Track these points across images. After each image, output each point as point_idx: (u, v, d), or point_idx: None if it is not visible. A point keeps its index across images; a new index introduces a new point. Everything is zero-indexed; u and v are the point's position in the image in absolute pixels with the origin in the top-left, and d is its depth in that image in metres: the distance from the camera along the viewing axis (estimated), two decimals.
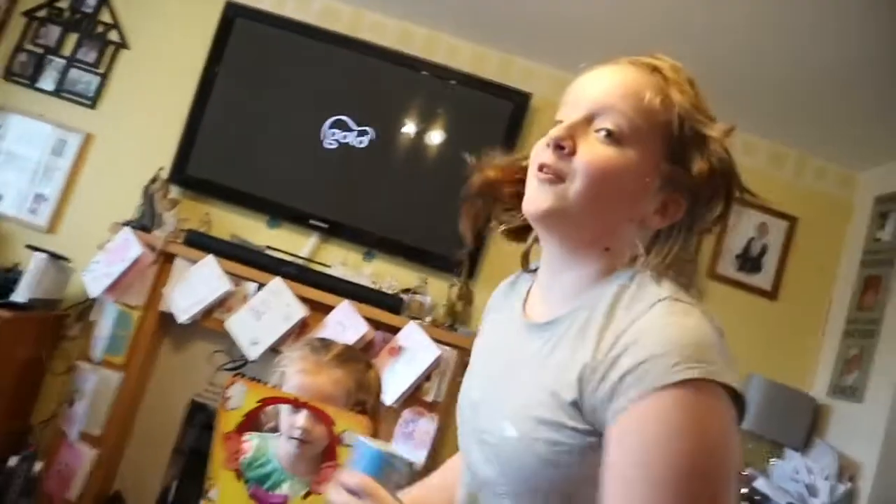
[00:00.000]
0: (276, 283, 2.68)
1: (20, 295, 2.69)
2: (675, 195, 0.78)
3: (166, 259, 2.77)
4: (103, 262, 2.75)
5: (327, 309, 2.69)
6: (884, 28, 2.15)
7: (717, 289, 2.98)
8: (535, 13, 2.72)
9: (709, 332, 0.70)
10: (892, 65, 2.31)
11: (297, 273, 2.76)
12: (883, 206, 2.87)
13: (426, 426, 2.68)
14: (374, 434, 1.16)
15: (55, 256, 2.80)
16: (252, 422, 1.26)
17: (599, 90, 0.79)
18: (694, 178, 0.77)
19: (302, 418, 1.33)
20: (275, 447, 1.40)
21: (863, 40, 2.24)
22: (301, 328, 2.68)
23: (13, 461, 2.58)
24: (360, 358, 1.51)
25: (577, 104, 0.81)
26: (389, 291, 2.83)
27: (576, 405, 0.73)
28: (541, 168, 0.79)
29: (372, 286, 2.83)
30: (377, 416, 1.50)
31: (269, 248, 2.90)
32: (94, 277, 2.75)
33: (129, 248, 2.72)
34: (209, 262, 2.70)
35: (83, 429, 2.70)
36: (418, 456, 2.66)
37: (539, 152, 0.81)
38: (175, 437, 2.87)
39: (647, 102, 0.77)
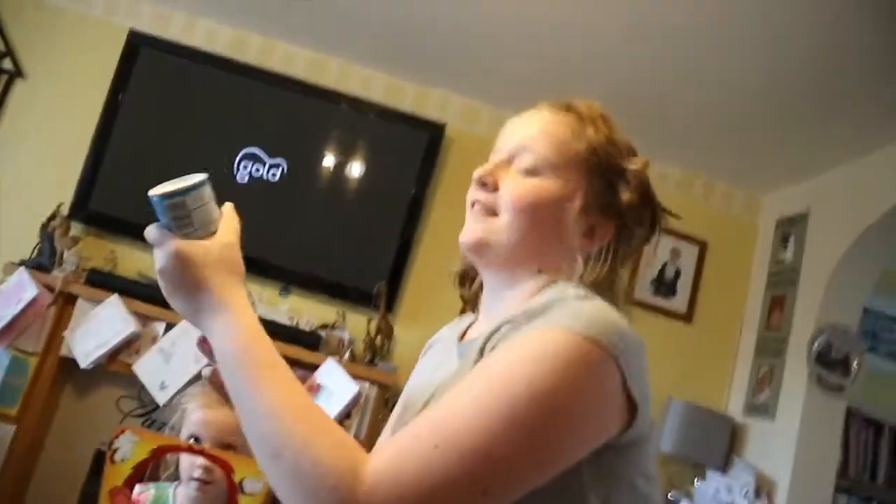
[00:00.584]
0: (186, 322, 2.56)
1: None
2: (601, 219, 0.84)
3: (67, 300, 2.61)
4: None
5: None
6: (782, 58, 2.26)
7: (635, 314, 2.97)
8: (447, 44, 2.74)
9: (615, 317, 0.72)
10: (791, 94, 2.44)
11: None
12: (784, 228, 3.00)
13: None
14: None
15: None
16: (142, 474, 1.17)
17: (518, 134, 0.87)
18: (617, 203, 0.84)
19: (203, 459, 1.26)
20: (174, 496, 1.32)
21: (762, 71, 2.36)
22: (214, 370, 2.56)
23: None
24: None
25: (500, 149, 0.88)
26: (307, 328, 2.75)
27: None
28: (473, 205, 0.86)
29: (289, 323, 2.74)
30: None
31: None
32: None
33: (23, 289, 2.55)
34: (113, 302, 2.57)
35: None
36: None
37: (470, 193, 0.88)
38: (79, 492, 2.68)
39: (560, 139, 0.84)
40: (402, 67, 3.03)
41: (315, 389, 2.59)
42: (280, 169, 2.90)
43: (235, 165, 2.88)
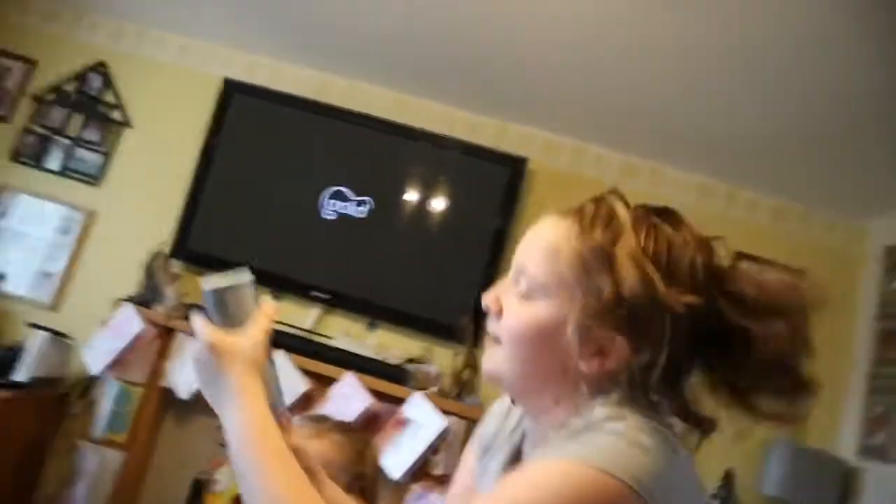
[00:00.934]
0: (278, 357, 2.63)
1: (21, 374, 2.67)
2: (605, 333, 0.73)
3: (168, 334, 2.74)
4: (105, 338, 2.74)
5: (330, 381, 2.63)
6: (883, 74, 2.14)
7: None
8: (527, 79, 2.75)
9: (644, 446, 0.66)
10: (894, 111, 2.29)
11: (300, 345, 2.72)
12: (895, 256, 2.80)
13: (436, 502, 2.58)
14: None
15: (57, 334, 2.78)
16: None
17: (520, 252, 0.82)
18: (616, 307, 0.72)
19: None
20: None
21: (862, 88, 2.23)
22: (304, 402, 2.62)
23: None
24: (359, 432, 1.50)
25: (512, 267, 0.84)
26: (394, 362, 2.78)
27: None
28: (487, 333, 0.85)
29: (376, 357, 2.78)
30: (375, 492, 1.46)
31: None
32: (95, 354, 2.73)
33: (130, 323, 2.71)
34: None
35: None
36: None
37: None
38: None
39: (552, 255, 0.77)
40: (482, 103, 3.06)
41: (402, 423, 2.60)
42: (366, 206, 2.97)
43: (322, 203, 2.97)
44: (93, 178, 3.13)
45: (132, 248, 2.94)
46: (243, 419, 0.78)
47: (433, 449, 2.59)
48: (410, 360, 2.82)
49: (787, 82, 2.32)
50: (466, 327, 2.73)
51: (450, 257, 2.97)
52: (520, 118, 3.09)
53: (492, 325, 0.83)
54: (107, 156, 3.14)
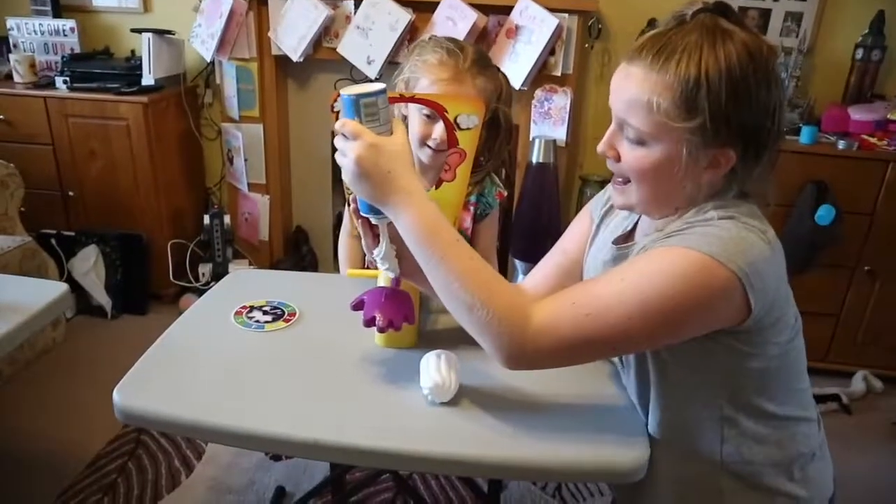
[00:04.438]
0: None
1: (147, 79, 2.78)
2: (718, 150, 0.87)
3: (260, 3, 2.68)
4: (204, 23, 2.74)
5: (432, 6, 2.52)
6: None
7: None
8: None
9: (742, 237, 0.83)
10: None
11: None
12: None
13: (560, 101, 2.59)
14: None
15: (161, 32, 2.80)
16: None
17: (617, 106, 0.91)
18: (722, 134, 0.85)
19: (440, 129, 1.32)
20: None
21: None
22: (410, 33, 2.57)
23: (206, 220, 2.90)
24: (491, 62, 1.43)
25: (612, 109, 0.93)
26: None
27: None
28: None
29: None
30: (510, 121, 1.48)
31: None
32: (202, 41, 2.77)
33: (220, 3, 2.66)
34: None
35: (250, 180, 2.94)
36: (558, 134, 2.61)
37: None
38: (331, 169, 3.02)
39: (649, 106, 0.85)
40: None
41: (514, 31, 2.50)
42: None
43: None
44: None
45: None
46: (419, 215, 0.88)
47: (550, 51, 2.51)
48: None
49: None
50: None
51: None
52: None
53: (614, 168, 0.95)
54: None
